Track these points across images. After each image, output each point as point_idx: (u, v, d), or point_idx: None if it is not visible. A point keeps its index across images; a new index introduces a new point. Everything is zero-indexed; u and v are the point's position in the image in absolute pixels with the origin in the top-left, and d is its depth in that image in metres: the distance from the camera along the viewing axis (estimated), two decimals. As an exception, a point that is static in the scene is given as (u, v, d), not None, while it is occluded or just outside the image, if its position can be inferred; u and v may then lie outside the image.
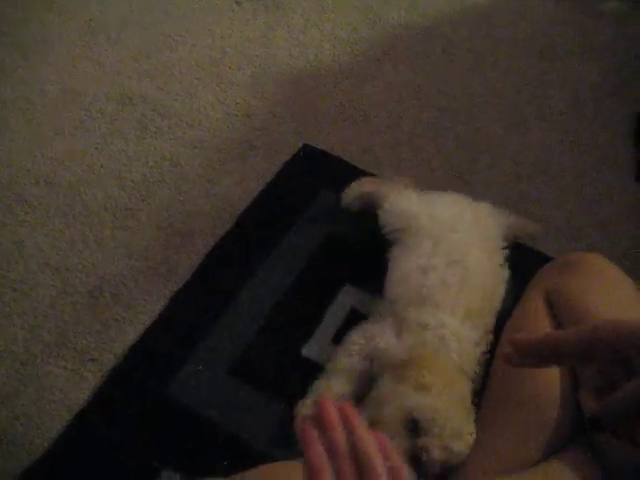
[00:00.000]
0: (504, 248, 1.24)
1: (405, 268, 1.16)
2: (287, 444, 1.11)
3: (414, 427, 0.94)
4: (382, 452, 0.48)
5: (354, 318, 1.26)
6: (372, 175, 1.48)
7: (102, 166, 1.50)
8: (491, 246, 1.22)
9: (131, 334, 1.26)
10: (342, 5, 1.89)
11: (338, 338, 1.24)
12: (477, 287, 1.14)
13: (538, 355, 0.54)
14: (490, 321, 1.14)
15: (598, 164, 1.59)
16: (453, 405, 0.97)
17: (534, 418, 0.93)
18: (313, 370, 1.21)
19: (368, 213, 1.35)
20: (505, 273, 1.21)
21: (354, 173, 1.50)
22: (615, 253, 1.43)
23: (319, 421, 0.50)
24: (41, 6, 1.86)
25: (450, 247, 1.17)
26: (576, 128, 1.65)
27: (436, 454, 0.93)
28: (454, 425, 0.95)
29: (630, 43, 1.82)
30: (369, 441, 0.48)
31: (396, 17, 1.88)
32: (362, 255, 1.35)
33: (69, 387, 1.20)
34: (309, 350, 1.24)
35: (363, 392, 1.06)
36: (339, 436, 0.49)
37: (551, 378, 0.94)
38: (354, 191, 1.37)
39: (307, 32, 1.82)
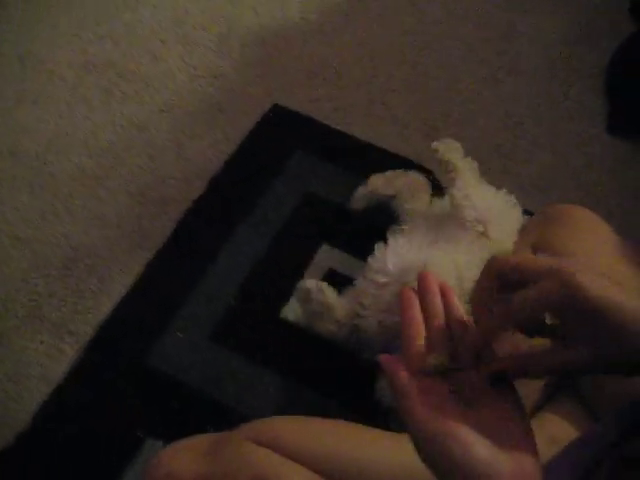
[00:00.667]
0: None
1: None
2: (271, 408, 1.11)
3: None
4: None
5: (333, 278, 1.26)
6: (344, 134, 1.47)
7: (67, 134, 1.46)
8: None
9: (107, 305, 1.24)
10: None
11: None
12: None
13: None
14: None
15: (570, 116, 1.59)
16: None
17: None
18: (292, 331, 1.22)
19: (343, 175, 1.35)
20: None
21: (326, 132, 1.48)
22: (588, 203, 1.44)
23: (420, 288, 0.54)
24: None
25: None
26: (547, 80, 1.64)
27: None
28: None
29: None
30: (461, 311, 0.53)
31: (363, -30, 1.83)
32: (339, 215, 1.34)
33: (47, 361, 1.18)
34: (289, 311, 1.24)
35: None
36: (437, 301, 0.53)
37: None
38: (362, 194, 1.33)
39: (273, -11, 1.77)
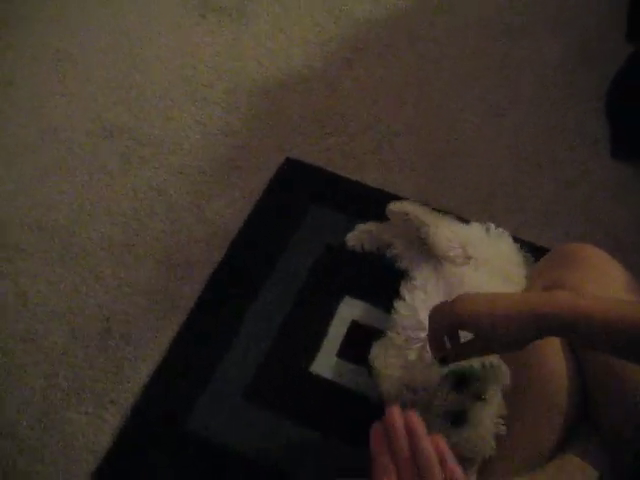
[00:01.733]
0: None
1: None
2: (312, 465, 1.17)
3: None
4: (439, 454, 0.57)
5: (356, 330, 1.32)
6: (357, 182, 1.53)
7: (92, 204, 1.53)
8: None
9: (144, 372, 1.30)
10: (306, 5, 1.90)
11: (342, 351, 1.30)
12: None
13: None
14: None
15: (572, 144, 1.63)
16: None
17: (543, 405, 1.00)
18: (323, 385, 1.28)
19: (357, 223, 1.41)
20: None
21: (338, 182, 1.54)
22: (595, 233, 1.49)
23: (387, 429, 0.59)
24: None
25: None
26: (547, 109, 1.69)
27: None
28: None
29: (594, 17, 1.84)
30: (429, 447, 0.57)
31: (361, 12, 1.88)
32: (358, 267, 1.40)
33: (91, 431, 1.24)
34: (317, 366, 1.30)
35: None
36: (403, 443, 0.58)
37: (556, 366, 1.01)
38: (359, 233, 1.39)
39: (274, 38, 1.83)
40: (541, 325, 0.77)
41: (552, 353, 1.04)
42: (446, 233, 1.20)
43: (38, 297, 1.39)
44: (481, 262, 1.21)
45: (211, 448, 1.21)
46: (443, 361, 0.89)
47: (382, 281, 1.35)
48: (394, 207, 1.30)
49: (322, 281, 1.39)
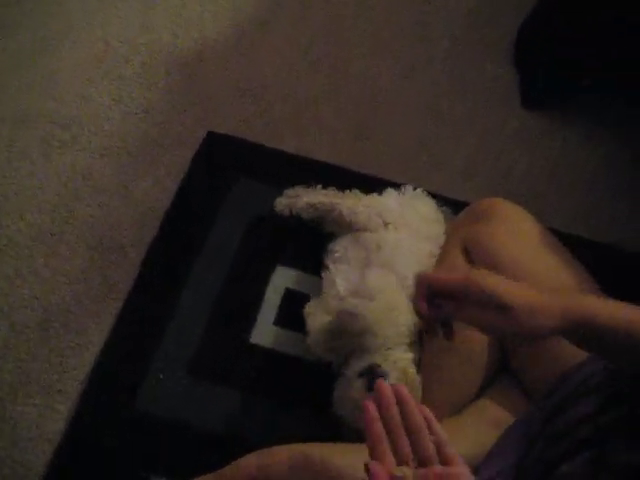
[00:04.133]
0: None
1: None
2: (262, 432, 1.24)
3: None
4: (426, 420, 0.64)
5: (290, 298, 1.38)
6: (280, 151, 1.56)
7: (16, 193, 1.51)
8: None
9: (88, 358, 1.33)
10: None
11: (279, 320, 1.37)
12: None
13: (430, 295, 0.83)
14: None
15: (486, 96, 1.70)
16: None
17: (469, 364, 1.10)
18: (263, 353, 1.34)
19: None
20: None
21: (261, 152, 1.57)
22: (511, 184, 1.58)
23: (378, 400, 0.65)
24: None
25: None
26: (461, 64, 1.74)
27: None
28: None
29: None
30: (417, 413, 0.64)
31: (272, -28, 1.87)
32: (286, 236, 1.45)
33: (43, 422, 1.28)
34: (256, 336, 1.36)
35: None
36: (394, 410, 0.64)
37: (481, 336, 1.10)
38: (287, 199, 1.43)
39: (186, 6, 1.80)
40: (566, 315, 0.75)
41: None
42: (359, 207, 1.26)
43: (-28, 295, 1.40)
44: (400, 224, 1.28)
45: (161, 425, 1.27)
46: (444, 323, 0.86)
47: (311, 247, 1.41)
48: (281, 204, 1.41)
49: (253, 252, 1.44)
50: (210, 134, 1.58)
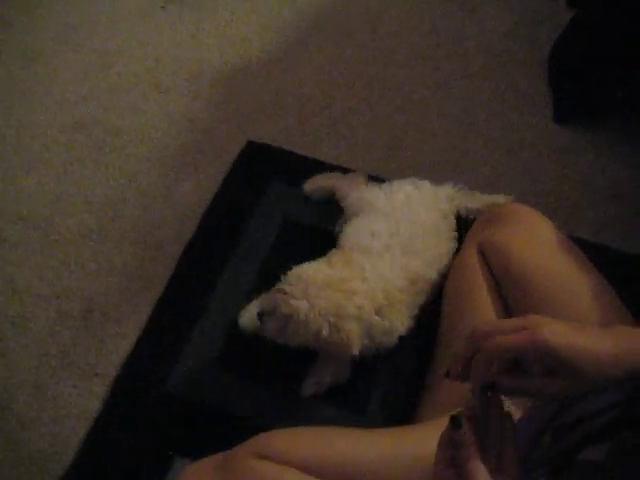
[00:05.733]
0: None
1: (356, 232, 1.31)
2: (277, 416, 1.30)
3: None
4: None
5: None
6: (314, 160, 1.63)
7: (68, 194, 1.63)
8: (436, 221, 1.35)
9: (125, 346, 1.42)
10: (262, -8, 1.99)
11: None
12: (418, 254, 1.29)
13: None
14: (430, 280, 1.29)
15: (519, 110, 1.74)
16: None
17: None
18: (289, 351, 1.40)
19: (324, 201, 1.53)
20: (451, 244, 1.34)
21: (297, 160, 1.64)
22: (539, 195, 1.61)
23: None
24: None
25: (397, 220, 1.31)
26: (495, 79, 1.80)
27: None
28: None
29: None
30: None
31: (315, -5, 1.97)
32: (318, 237, 1.51)
33: (82, 402, 1.37)
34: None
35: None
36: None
37: (485, 317, 1.12)
38: (314, 182, 1.52)
39: (233, 26, 1.92)
40: (634, 364, 0.65)
41: (483, 297, 1.16)
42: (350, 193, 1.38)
43: (24, 283, 1.51)
44: (389, 211, 1.32)
45: (189, 409, 1.33)
46: (488, 388, 0.70)
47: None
48: (309, 186, 1.51)
49: (285, 252, 1.51)
50: (249, 143, 1.67)
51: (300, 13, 1.94)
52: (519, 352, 0.66)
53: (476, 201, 1.38)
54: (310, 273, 1.17)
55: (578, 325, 0.68)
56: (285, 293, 1.15)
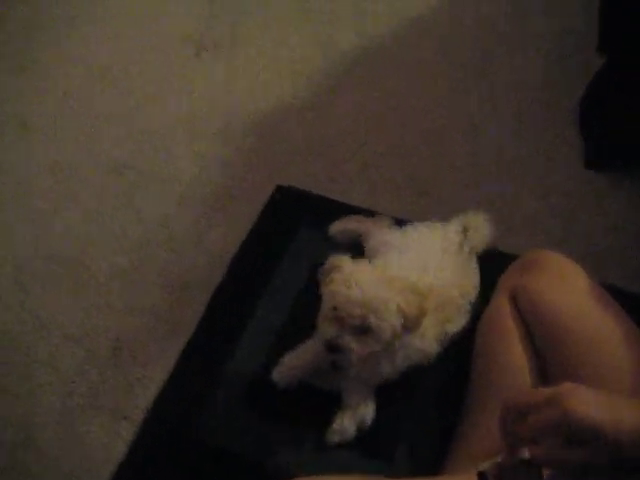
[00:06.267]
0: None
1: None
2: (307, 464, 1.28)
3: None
4: None
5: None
6: (343, 204, 1.64)
7: (99, 235, 1.66)
8: (457, 255, 1.35)
9: (153, 389, 1.42)
10: (294, 38, 2.03)
11: (334, 362, 1.41)
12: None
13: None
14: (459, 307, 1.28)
15: (549, 156, 1.74)
16: None
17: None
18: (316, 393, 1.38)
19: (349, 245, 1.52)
20: (475, 279, 1.34)
21: (326, 204, 1.65)
22: (571, 240, 1.59)
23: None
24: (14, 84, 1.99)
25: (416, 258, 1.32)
26: (527, 125, 1.80)
27: None
28: None
29: (572, 36, 1.95)
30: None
31: (346, 42, 2.01)
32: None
33: (108, 444, 1.36)
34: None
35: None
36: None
37: (516, 358, 1.12)
38: (340, 225, 1.52)
39: (266, 72, 1.96)
40: None
41: (514, 344, 1.14)
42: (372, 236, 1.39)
43: (53, 324, 1.52)
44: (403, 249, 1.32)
45: (213, 454, 1.32)
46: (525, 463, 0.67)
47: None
48: (335, 228, 1.50)
49: (312, 298, 1.50)
50: (279, 187, 1.68)
51: (331, 59, 1.97)
52: (553, 430, 0.65)
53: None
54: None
55: (610, 396, 0.67)
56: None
